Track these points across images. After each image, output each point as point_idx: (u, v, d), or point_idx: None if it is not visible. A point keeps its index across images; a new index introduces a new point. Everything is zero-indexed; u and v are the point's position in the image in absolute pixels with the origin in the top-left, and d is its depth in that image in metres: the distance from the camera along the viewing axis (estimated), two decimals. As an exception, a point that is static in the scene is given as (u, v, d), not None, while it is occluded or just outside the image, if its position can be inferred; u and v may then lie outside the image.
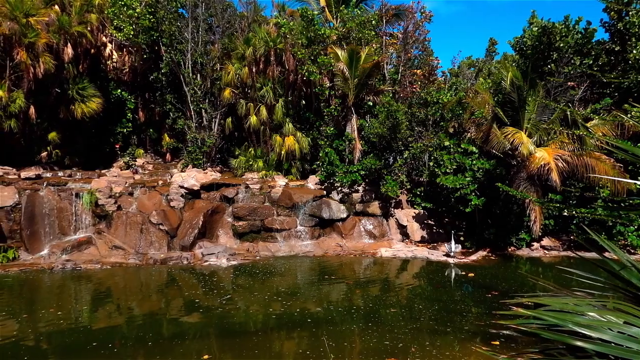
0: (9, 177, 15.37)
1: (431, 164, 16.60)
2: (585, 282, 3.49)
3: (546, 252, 15.59)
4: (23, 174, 15.82)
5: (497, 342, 7.12)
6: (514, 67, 15.94)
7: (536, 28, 16.93)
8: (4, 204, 14.24)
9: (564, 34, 16.66)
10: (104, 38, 21.47)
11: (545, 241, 15.91)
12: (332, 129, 18.62)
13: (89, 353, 7.05)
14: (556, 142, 14.79)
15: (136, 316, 9.25)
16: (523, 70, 15.95)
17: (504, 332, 7.19)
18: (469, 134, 17.09)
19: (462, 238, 16.31)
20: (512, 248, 15.79)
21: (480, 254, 15.31)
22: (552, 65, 16.82)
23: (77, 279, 12.16)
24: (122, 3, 19.85)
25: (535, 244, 15.85)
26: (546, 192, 14.85)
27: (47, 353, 7.26)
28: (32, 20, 17.02)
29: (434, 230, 16.91)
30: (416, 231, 16.87)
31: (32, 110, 17.48)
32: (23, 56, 16.67)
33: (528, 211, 14.42)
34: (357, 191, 17.54)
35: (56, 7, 18.89)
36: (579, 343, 2.45)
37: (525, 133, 14.65)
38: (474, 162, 15.63)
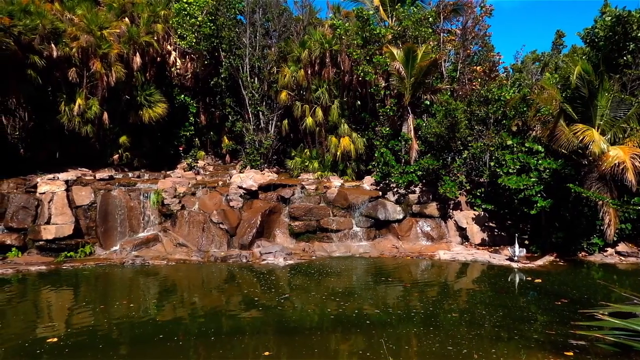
0: (86, 178, 16.73)
1: (492, 164, 15.90)
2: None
3: (622, 258, 14.42)
4: (98, 175, 17.18)
5: (571, 353, 6.65)
6: (584, 60, 14.89)
7: (609, 18, 15.71)
8: (82, 202, 15.43)
9: (642, 23, 15.33)
10: (168, 46, 22.69)
11: (621, 247, 14.71)
12: (387, 129, 18.40)
13: (156, 344, 7.44)
14: (634, 140, 13.66)
15: (199, 311, 9.63)
16: (594, 63, 14.87)
17: (579, 342, 6.72)
18: (533, 132, 16.20)
19: (526, 242, 15.46)
20: (583, 253, 14.74)
21: (547, 259, 14.44)
22: (629, 56, 15.51)
23: (145, 273, 12.92)
24: (186, 13, 20.92)
25: (610, 250, 14.70)
26: (622, 193, 13.75)
27: (120, 342, 7.74)
28: (105, 33, 18.37)
29: (496, 233, 16.19)
30: (476, 234, 16.24)
31: (105, 116, 18.87)
32: (98, 66, 18.02)
33: (601, 214, 13.42)
34: (413, 192, 17.18)
35: (126, 19, 20.30)
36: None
37: (597, 130, 13.66)
38: (540, 161, 14.79)
